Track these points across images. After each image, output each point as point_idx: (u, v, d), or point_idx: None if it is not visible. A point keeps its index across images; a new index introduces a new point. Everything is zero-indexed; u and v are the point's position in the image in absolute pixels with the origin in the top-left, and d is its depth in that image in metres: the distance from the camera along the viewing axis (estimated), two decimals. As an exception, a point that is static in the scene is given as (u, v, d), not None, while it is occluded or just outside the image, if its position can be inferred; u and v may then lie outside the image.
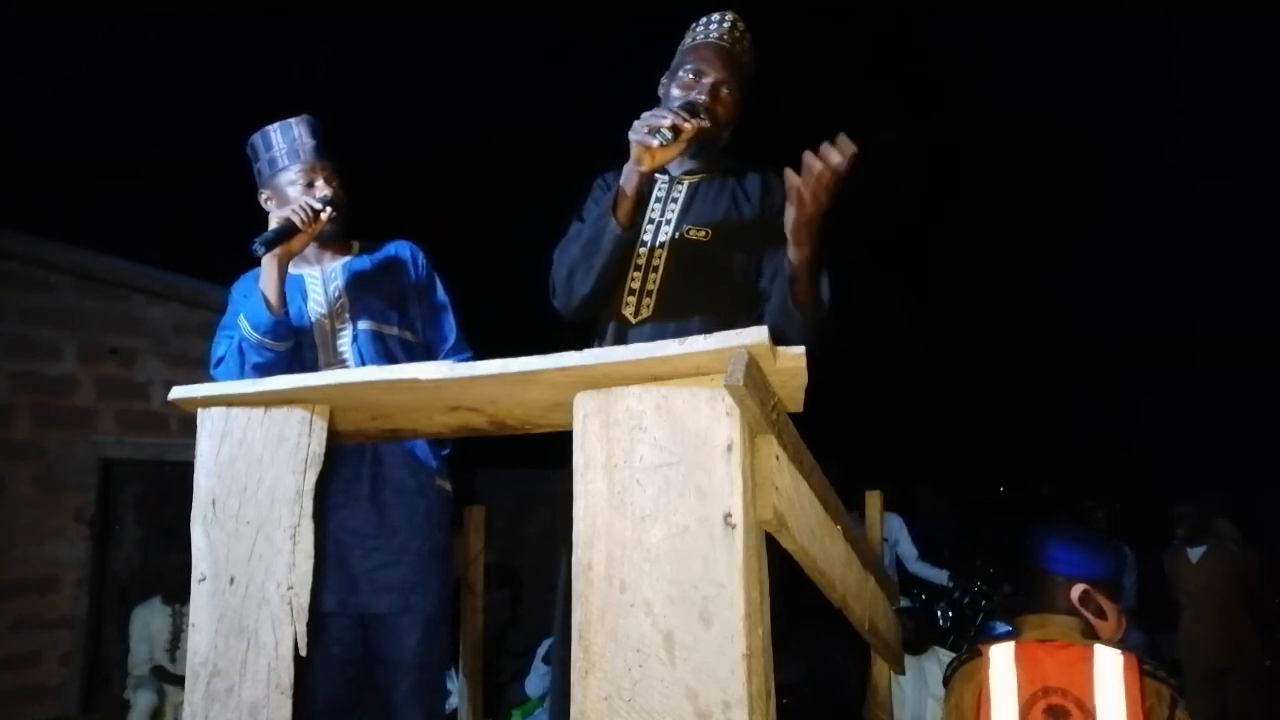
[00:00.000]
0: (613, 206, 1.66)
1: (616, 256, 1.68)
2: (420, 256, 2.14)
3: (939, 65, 12.23)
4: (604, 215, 1.67)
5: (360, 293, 2.02)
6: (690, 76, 1.77)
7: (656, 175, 1.85)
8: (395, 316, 2.03)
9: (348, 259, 2.09)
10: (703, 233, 1.75)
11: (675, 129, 1.56)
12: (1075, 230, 12.95)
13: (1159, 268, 12.56)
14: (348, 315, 1.99)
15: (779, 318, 1.63)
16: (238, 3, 9.61)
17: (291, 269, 2.06)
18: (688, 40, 1.85)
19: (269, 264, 1.85)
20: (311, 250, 2.06)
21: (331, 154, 2.05)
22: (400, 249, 2.14)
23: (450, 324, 2.12)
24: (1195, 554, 4.98)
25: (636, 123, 1.59)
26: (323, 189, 1.98)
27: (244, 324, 1.88)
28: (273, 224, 1.85)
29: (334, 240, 2.08)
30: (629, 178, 1.64)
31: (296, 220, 1.84)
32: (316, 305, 2.00)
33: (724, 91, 1.77)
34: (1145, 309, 13.14)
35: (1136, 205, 12.58)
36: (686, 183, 1.84)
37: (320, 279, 2.04)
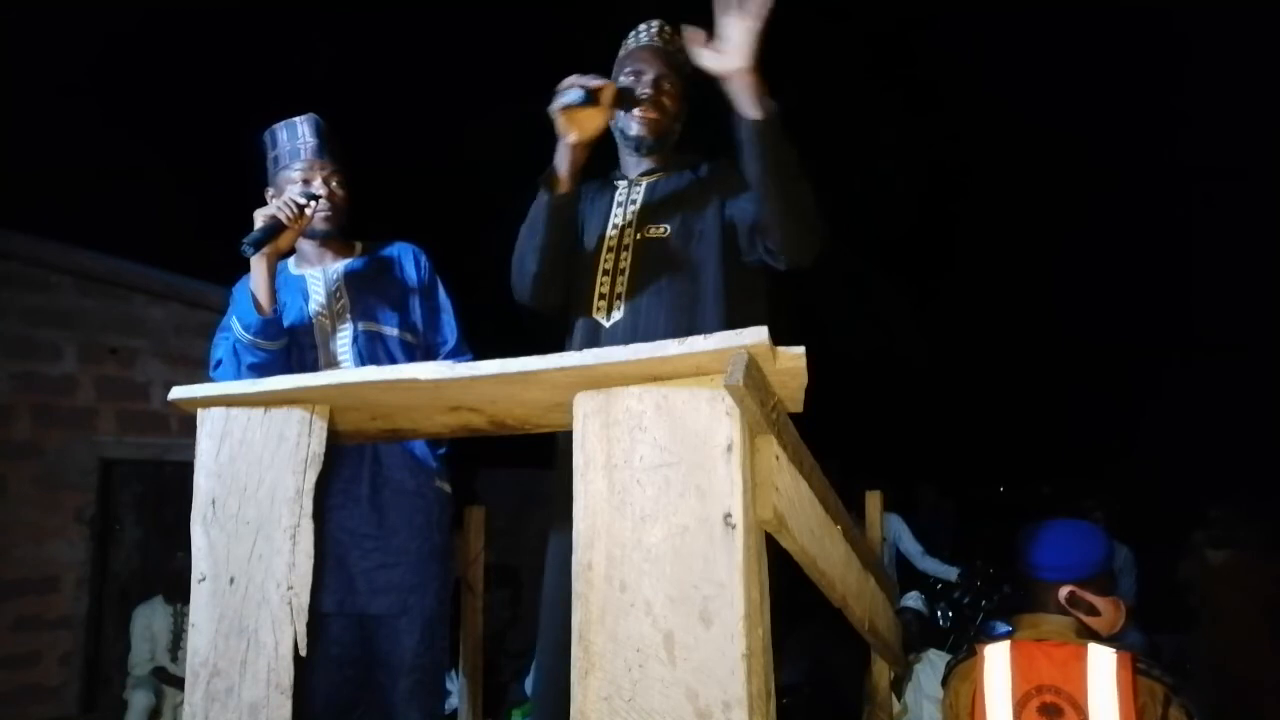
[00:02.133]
0: (546, 182, 1.72)
1: (555, 228, 1.73)
2: (423, 259, 2.14)
3: (939, 65, 12.23)
4: (538, 194, 1.74)
5: (361, 293, 2.02)
6: (631, 76, 1.83)
7: (618, 182, 1.88)
8: (395, 318, 2.02)
9: (350, 259, 2.09)
10: (661, 229, 1.77)
11: (584, 88, 1.60)
12: (1075, 230, 12.95)
13: (1159, 267, 12.56)
14: (348, 315, 1.99)
15: (763, 200, 1.62)
16: (238, 3, 9.61)
17: (294, 269, 2.06)
18: (622, 52, 1.91)
19: (257, 264, 1.85)
20: (313, 250, 2.06)
21: (334, 154, 2.05)
22: (403, 251, 2.14)
23: (451, 326, 2.12)
24: (1220, 557, 4.79)
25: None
26: (318, 188, 1.98)
27: (236, 325, 1.88)
28: (258, 223, 1.85)
29: (337, 241, 2.08)
30: (558, 153, 1.69)
31: (281, 217, 1.84)
32: (317, 305, 2.00)
33: (666, 85, 1.83)
34: (1146, 309, 13.14)
35: (1137, 205, 12.58)
36: (644, 183, 1.86)
37: (322, 279, 2.03)
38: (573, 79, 1.62)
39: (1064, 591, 1.70)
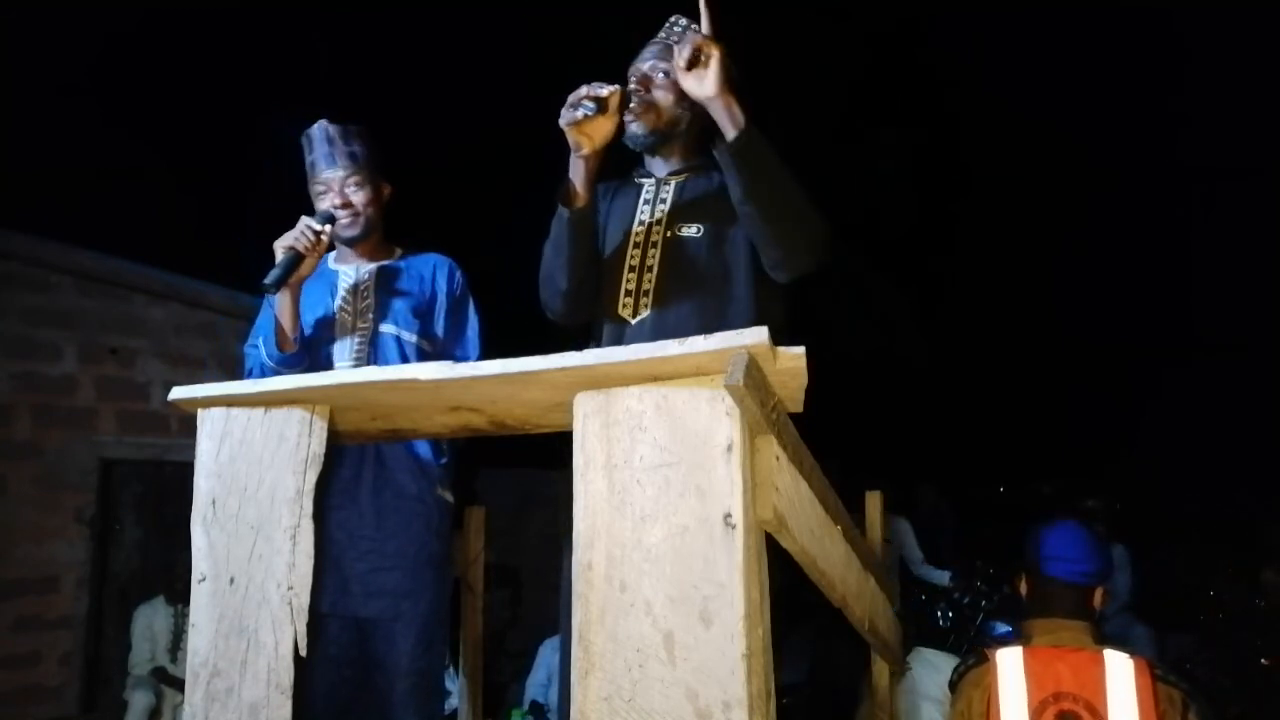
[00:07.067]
0: (563, 198, 1.71)
1: (578, 242, 1.72)
2: (458, 274, 2.17)
3: (939, 65, 12.23)
4: (556, 210, 1.72)
5: (387, 296, 2.06)
6: (633, 76, 1.82)
7: (643, 180, 1.87)
8: (416, 324, 2.05)
9: (385, 263, 2.12)
10: (694, 229, 1.76)
11: (594, 99, 1.60)
12: (1075, 230, 12.94)
13: (1159, 267, 12.55)
14: (371, 316, 2.02)
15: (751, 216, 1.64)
16: (238, 2, 9.61)
17: (332, 264, 2.12)
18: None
19: (281, 297, 1.90)
20: (351, 250, 2.11)
21: (370, 161, 2.08)
22: (439, 263, 2.17)
23: (474, 343, 2.14)
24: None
25: (562, 110, 1.63)
26: (352, 195, 2.02)
27: (263, 348, 1.93)
28: (278, 256, 1.87)
29: (376, 242, 2.12)
30: (572, 167, 1.69)
31: (299, 247, 1.87)
32: (343, 302, 2.03)
33: (658, 79, 1.78)
34: (1146, 309, 13.13)
35: (1137, 205, 12.58)
36: (674, 182, 1.85)
37: (354, 277, 2.08)
38: (581, 91, 1.61)
39: (1099, 593, 1.76)
